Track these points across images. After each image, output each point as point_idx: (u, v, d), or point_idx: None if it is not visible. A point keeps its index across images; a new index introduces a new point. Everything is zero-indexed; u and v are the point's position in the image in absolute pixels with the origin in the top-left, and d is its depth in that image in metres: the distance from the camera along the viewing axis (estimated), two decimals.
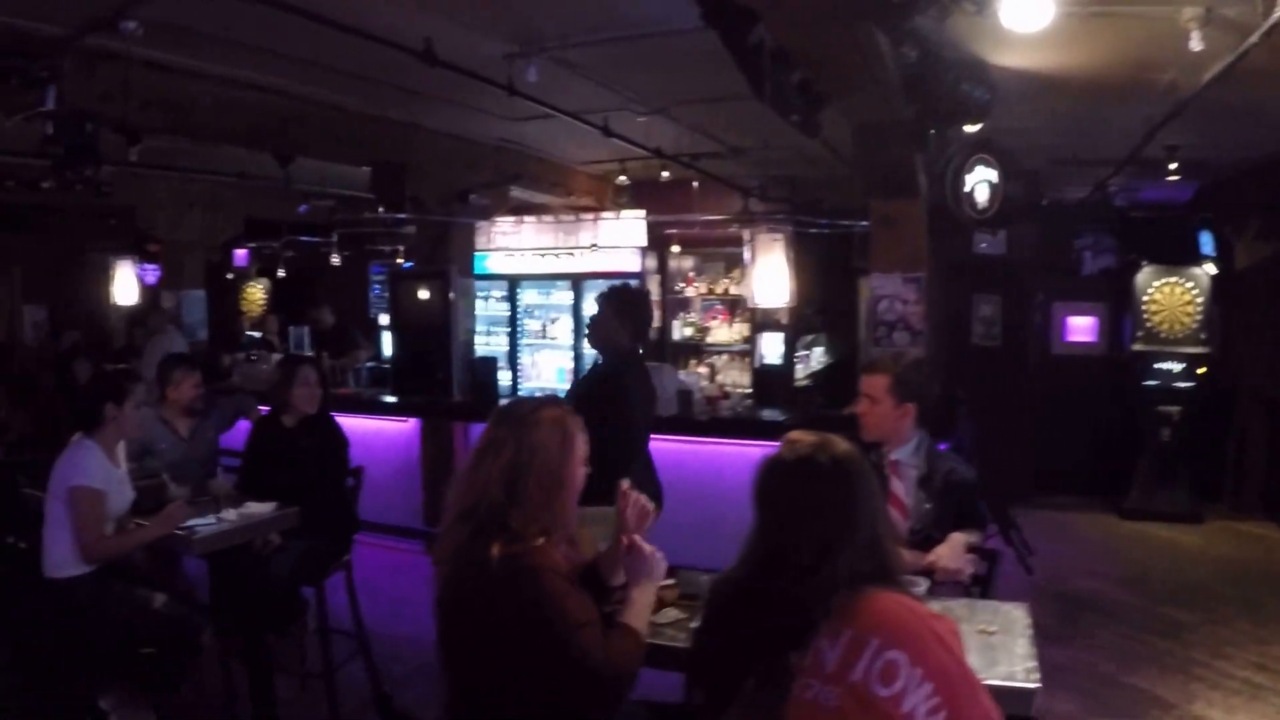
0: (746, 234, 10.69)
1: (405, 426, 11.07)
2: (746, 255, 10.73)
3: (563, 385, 13.93)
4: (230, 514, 6.34)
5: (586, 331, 6.78)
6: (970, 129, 8.01)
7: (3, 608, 6.46)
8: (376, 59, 7.44)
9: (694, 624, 4.19)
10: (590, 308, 13.74)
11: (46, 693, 6.17)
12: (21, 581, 6.30)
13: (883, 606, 2.83)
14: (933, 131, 8.15)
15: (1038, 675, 3.70)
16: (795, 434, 3.21)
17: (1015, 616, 4.35)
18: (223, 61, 8.18)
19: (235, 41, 7.56)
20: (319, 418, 7.19)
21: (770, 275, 11.43)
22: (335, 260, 15.97)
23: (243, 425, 8.02)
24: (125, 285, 14.16)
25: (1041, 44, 6.46)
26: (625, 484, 3.89)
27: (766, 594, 2.93)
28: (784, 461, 3.11)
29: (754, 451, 8.58)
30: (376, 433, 10.81)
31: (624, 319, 6.45)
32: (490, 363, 11.02)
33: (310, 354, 12.59)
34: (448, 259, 11.61)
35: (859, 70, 6.39)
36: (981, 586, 5.14)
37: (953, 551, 4.80)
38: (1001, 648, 3.97)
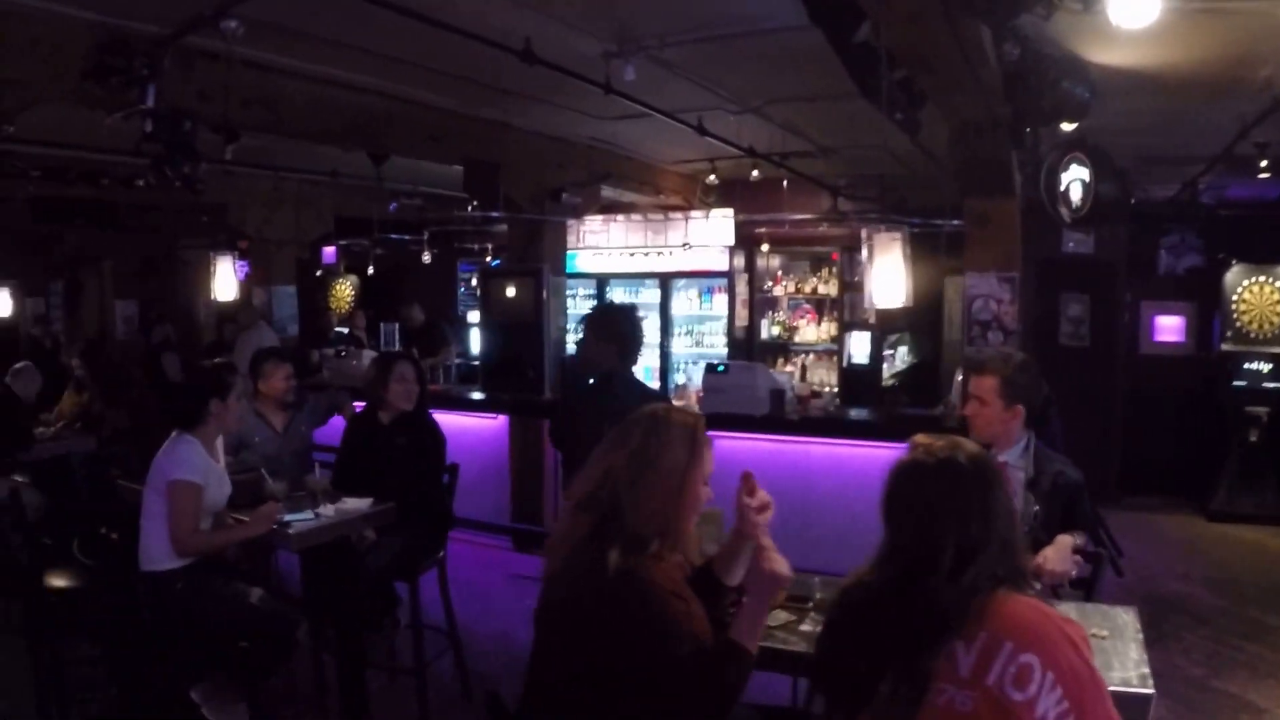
0: (864, 233, 10.64)
1: (494, 423, 11.11)
2: (863, 254, 10.68)
3: (650, 383, 13.87)
4: (327, 509, 6.38)
5: (575, 357, 6.79)
6: (1067, 127, 7.95)
7: (96, 599, 6.53)
8: (472, 58, 7.47)
9: (804, 626, 4.19)
10: (679, 306, 13.77)
11: (139, 684, 6.24)
12: (114, 573, 6.38)
13: (1016, 609, 2.81)
14: (1028, 130, 8.09)
15: (1151, 681, 3.67)
16: (922, 437, 3.15)
17: (1125, 620, 4.33)
18: (319, 60, 8.25)
19: (332, 40, 7.63)
20: (416, 414, 7.20)
21: (888, 275, 11.42)
22: (426, 258, 16.15)
23: (336, 421, 8.10)
24: (225, 281, 14.32)
25: (1140, 40, 6.37)
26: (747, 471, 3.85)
27: (904, 599, 2.88)
28: (924, 464, 3.04)
29: (846, 451, 8.63)
30: (465, 429, 10.84)
31: (605, 340, 6.45)
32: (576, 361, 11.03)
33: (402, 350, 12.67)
34: (540, 257, 11.64)
35: (961, 68, 6.36)
36: (1085, 589, 5.10)
37: (1059, 554, 4.73)
38: (1114, 652, 3.94)
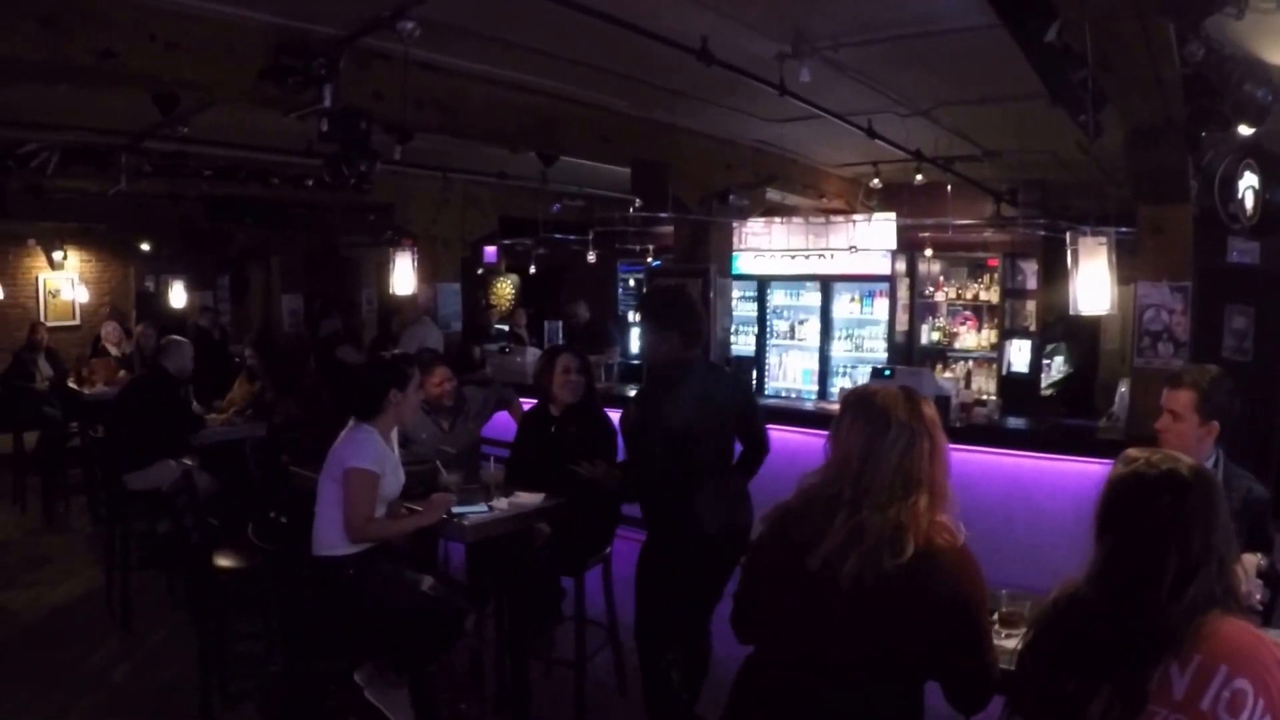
0: (1068, 236, 10.51)
1: None
2: (1069, 259, 10.53)
3: (810, 386, 14.13)
4: (501, 502, 6.46)
5: (643, 353, 6.49)
6: (1245, 131, 7.79)
7: (265, 580, 6.68)
8: (645, 59, 7.54)
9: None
10: (839, 309, 13.69)
11: (304, 664, 6.39)
12: (283, 556, 6.53)
13: (1231, 632, 2.73)
14: (1203, 134, 7.95)
15: None
16: (1135, 450, 3.03)
17: None
18: (495, 62, 8.38)
19: (508, 42, 7.74)
20: (585, 408, 7.20)
21: (1094, 281, 11.29)
22: (591, 258, 16.41)
23: (505, 416, 8.23)
24: (402, 276, 14.53)
25: None
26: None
27: (1122, 616, 2.81)
28: (1146, 476, 2.91)
29: (1010, 461, 8.46)
30: None
31: (662, 328, 5.99)
32: (747, 362, 11.04)
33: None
34: (707, 258, 11.68)
35: (1145, 68, 6.28)
36: (1263, 614, 4.91)
37: (1245, 575, 4.62)
38: None
